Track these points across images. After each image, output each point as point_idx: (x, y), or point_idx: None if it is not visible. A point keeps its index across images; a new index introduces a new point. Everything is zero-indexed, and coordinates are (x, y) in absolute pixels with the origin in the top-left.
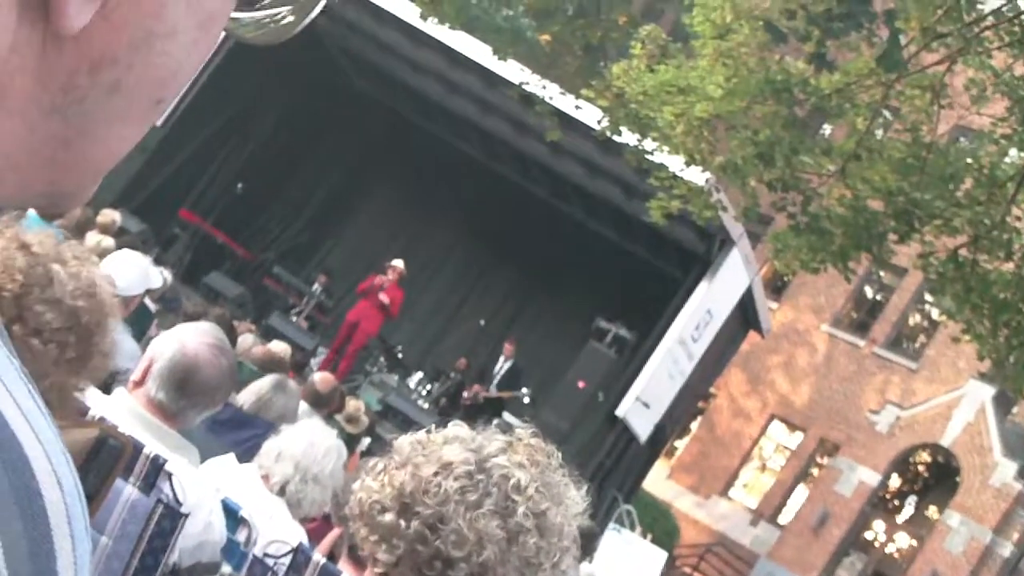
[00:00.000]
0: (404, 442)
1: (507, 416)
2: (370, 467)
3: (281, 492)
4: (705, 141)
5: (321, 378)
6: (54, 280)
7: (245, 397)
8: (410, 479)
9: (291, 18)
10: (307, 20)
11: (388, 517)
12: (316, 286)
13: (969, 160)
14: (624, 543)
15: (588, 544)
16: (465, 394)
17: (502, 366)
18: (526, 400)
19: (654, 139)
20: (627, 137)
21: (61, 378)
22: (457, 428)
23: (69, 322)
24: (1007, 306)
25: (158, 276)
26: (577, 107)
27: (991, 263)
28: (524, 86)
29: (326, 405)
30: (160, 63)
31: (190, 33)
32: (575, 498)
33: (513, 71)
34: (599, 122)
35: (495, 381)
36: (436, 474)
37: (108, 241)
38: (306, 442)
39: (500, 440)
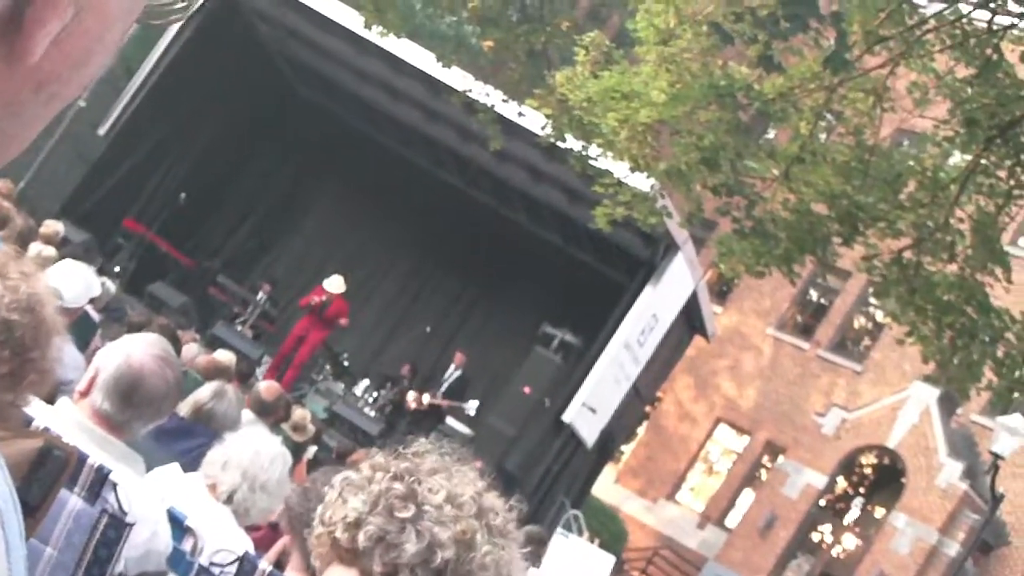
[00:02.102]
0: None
1: (450, 422)
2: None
3: (229, 500)
4: (649, 146)
5: (266, 387)
6: None
7: (184, 406)
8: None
9: (183, 3)
10: (196, 4)
11: (381, 484)
12: (260, 295)
13: (912, 163)
14: (572, 548)
15: (538, 550)
16: (411, 399)
17: (451, 374)
18: (472, 413)
19: (599, 145)
20: (571, 143)
21: None
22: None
23: (1, 336)
24: (951, 308)
25: (99, 285)
26: (520, 114)
27: (935, 265)
28: (468, 93)
29: (272, 414)
30: (91, 73)
31: (118, 42)
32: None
33: (457, 78)
34: (543, 128)
35: (442, 388)
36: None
37: (49, 250)
38: (252, 450)
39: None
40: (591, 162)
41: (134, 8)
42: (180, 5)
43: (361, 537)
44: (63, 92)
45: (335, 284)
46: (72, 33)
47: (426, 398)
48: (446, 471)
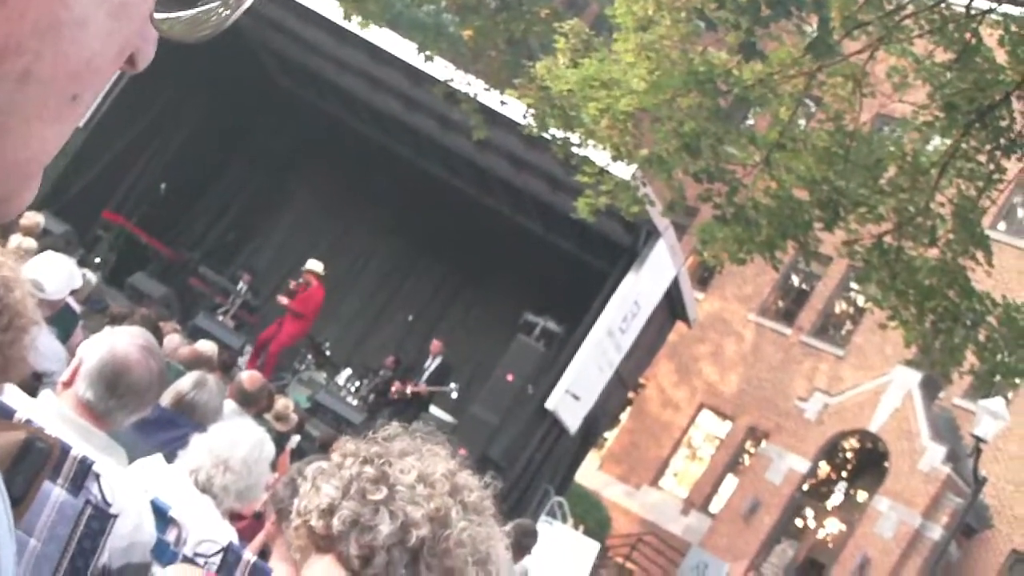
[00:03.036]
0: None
1: (433, 410)
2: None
3: (204, 488)
4: (629, 134)
5: (249, 376)
6: None
7: (165, 396)
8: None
9: (225, 11)
10: (240, 11)
11: (353, 469)
12: (241, 284)
13: (892, 148)
14: (557, 535)
15: (528, 541)
16: (394, 388)
17: (431, 362)
18: (454, 396)
19: (580, 135)
20: (553, 132)
21: None
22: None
23: None
24: (933, 291)
25: (80, 277)
26: (502, 103)
27: (916, 249)
28: (449, 83)
29: (254, 404)
30: (73, 53)
31: (102, 23)
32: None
33: (438, 68)
34: (524, 117)
35: (424, 376)
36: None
37: (30, 242)
38: (229, 436)
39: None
40: (574, 149)
41: None
42: (223, 13)
43: (336, 522)
44: (38, 71)
45: (314, 265)
46: None
47: (410, 389)
48: (417, 452)
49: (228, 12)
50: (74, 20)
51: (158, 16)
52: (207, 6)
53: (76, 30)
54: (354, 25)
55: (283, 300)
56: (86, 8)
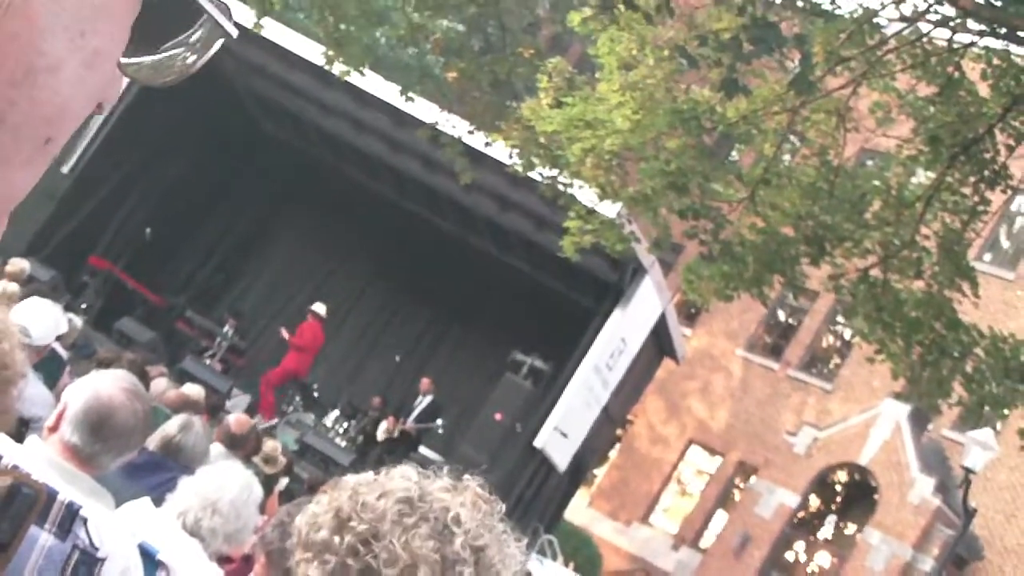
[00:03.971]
0: (351, 477)
1: (423, 450)
2: (316, 499)
3: (192, 531)
4: (615, 173)
5: (236, 420)
6: None
7: (152, 440)
8: (348, 500)
9: (192, 57)
10: (206, 58)
11: (323, 533)
12: (226, 328)
13: (876, 182)
14: (548, 573)
15: None
16: (382, 427)
17: (421, 401)
18: (440, 431)
19: (566, 175)
20: (539, 173)
21: None
22: (407, 468)
23: None
24: (919, 324)
25: (66, 322)
26: (487, 144)
27: (902, 282)
28: (436, 126)
29: (241, 446)
30: (45, 99)
31: (75, 70)
32: (515, 552)
33: (422, 109)
34: (510, 156)
35: (413, 415)
36: (377, 498)
37: (15, 288)
38: (216, 479)
39: (447, 482)
40: (560, 187)
41: (78, 18)
42: (188, 59)
43: None
44: (11, 118)
45: (318, 307)
46: None
47: (397, 428)
48: (408, 528)
49: (193, 58)
50: (48, 67)
51: (124, 60)
52: (171, 52)
53: (50, 77)
54: (336, 69)
55: (284, 333)
56: (60, 55)
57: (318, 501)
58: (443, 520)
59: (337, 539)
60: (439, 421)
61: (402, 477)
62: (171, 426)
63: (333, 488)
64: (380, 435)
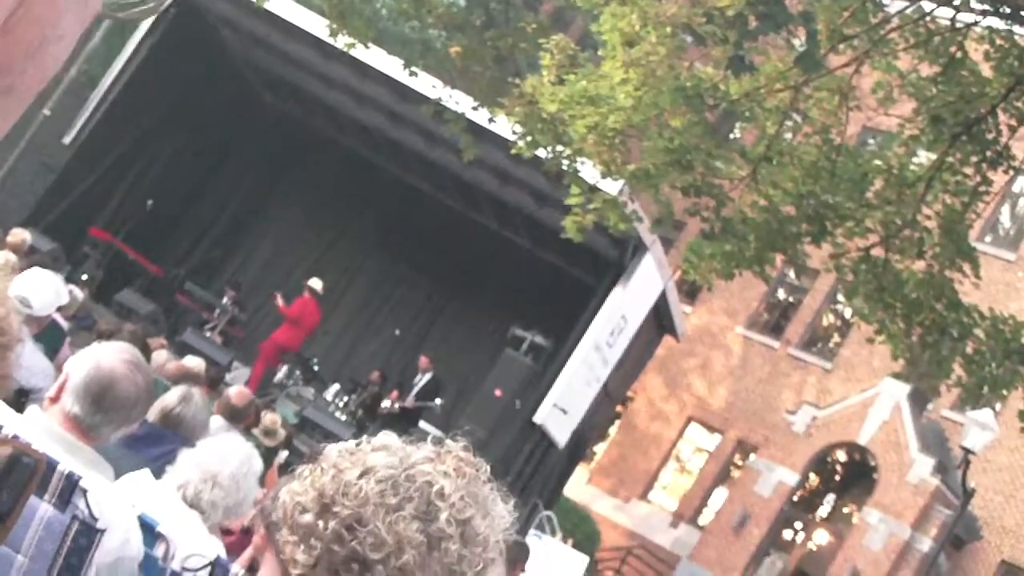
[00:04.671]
0: (332, 449)
1: (423, 425)
2: (298, 473)
3: (192, 503)
4: (618, 150)
5: (237, 392)
6: None
7: (152, 411)
8: (331, 481)
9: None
10: None
11: (307, 517)
12: (225, 299)
13: (878, 161)
14: (546, 549)
15: (521, 557)
16: (384, 404)
17: (421, 378)
18: (437, 411)
19: (569, 152)
20: (543, 152)
21: None
22: (387, 437)
23: None
24: (920, 304)
25: (67, 294)
26: (491, 120)
27: (903, 263)
28: (439, 102)
29: (242, 419)
30: (49, 65)
31: (75, 34)
32: (502, 512)
33: (424, 84)
34: (514, 134)
35: (414, 392)
36: (359, 477)
37: (13, 257)
38: (217, 452)
39: (428, 450)
40: (564, 163)
41: None
42: (149, 5)
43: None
44: (20, 84)
45: (314, 282)
46: (22, 20)
47: (397, 404)
48: (392, 509)
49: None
50: (57, 37)
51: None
52: None
53: (56, 45)
54: (340, 42)
55: (279, 300)
56: (68, 27)
57: (301, 477)
58: (427, 496)
59: (321, 524)
60: (438, 401)
61: (384, 449)
62: (170, 398)
63: (315, 466)
64: (383, 408)
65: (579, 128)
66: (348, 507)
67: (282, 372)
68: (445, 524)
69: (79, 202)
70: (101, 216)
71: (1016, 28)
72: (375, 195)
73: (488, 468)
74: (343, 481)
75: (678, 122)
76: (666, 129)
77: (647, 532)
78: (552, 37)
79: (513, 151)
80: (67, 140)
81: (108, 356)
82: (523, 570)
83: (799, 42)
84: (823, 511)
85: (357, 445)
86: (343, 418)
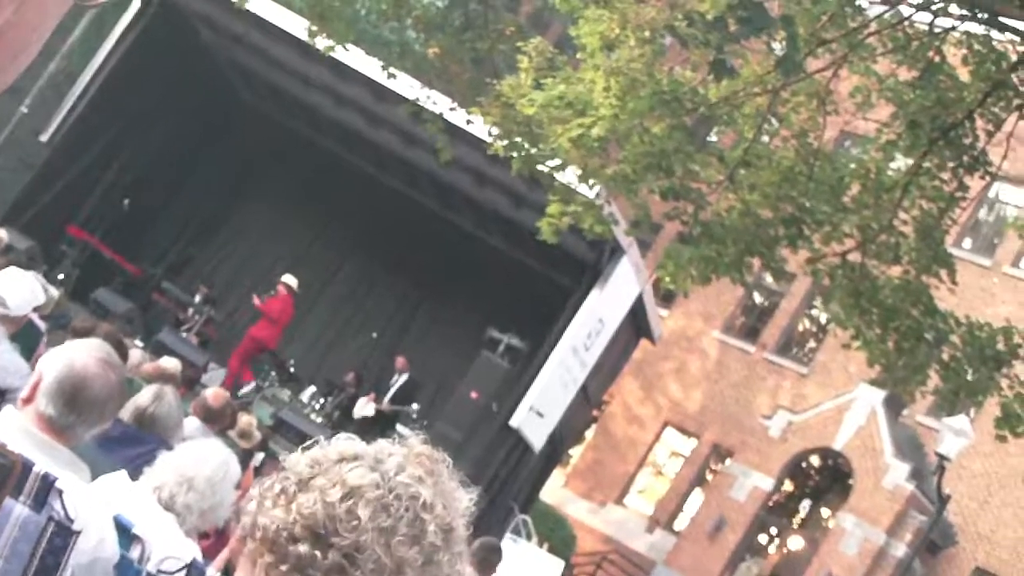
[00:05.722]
0: (299, 462)
1: (400, 429)
2: (265, 488)
3: (168, 506)
4: (597, 155)
5: (213, 394)
6: None
7: (125, 411)
8: (319, 507)
9: None
10: None
11: (302, 548)
12: (197, 297)
13: (855, 166)
14: (521, 553)
15: (494, 560)
16: (362, 403)
17: (397, 380)
18: (414, 416)
19: (548, 154)
20: (520, 152)
21: None
22: (349, 443)
23: None
24: (896, 310)
25: (43, 293)
26: (469, 121)
27: (879, 268)
28: (416, 102)
29: (218, 421)
30: (28, 58)
31: (51, 29)
32: (464, 500)
33: (402, 85)
34: (490, 134)
35: (390, 394)
36: (343, 499)
37: None
38: (194, 455)
39: (398, 455)
40: (539, 165)
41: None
42: None
43: None
44: (3, 80)
45: (289, 279)
46: (14, 25)
47: (374, 407)
48: (387, 531)
49: None
50: (39, 39)
51: None
52: None
53: (36, 45)
54: (319, 44)
55: (256, 301)
56: (50, 26)
57: (274, 493)
58: (415, 512)
59: (319, 554)
60: (414, 405)
61: (355, 460)
62: (143, 397)
63: (285, 480)
64: (357, 413)
65: (562, 141)
66: (346, 537)
67: (250, 387)
68: (434, 536)
69: (56, 200)
70: (78, 214)
71: (994, 33)
72: (352, 196)
73: (448, 459)
74: (331, 505)
75: (659, 128)
76: (646, 135)
77: (623, 537)
78: (530, 41)
79: (489, 151)
80: (44, 138)
81: (80, 355)
82: (495, 572)
83: (779, 46)
84: (798, 516)
85: (321, 451)
86: (319, 420)
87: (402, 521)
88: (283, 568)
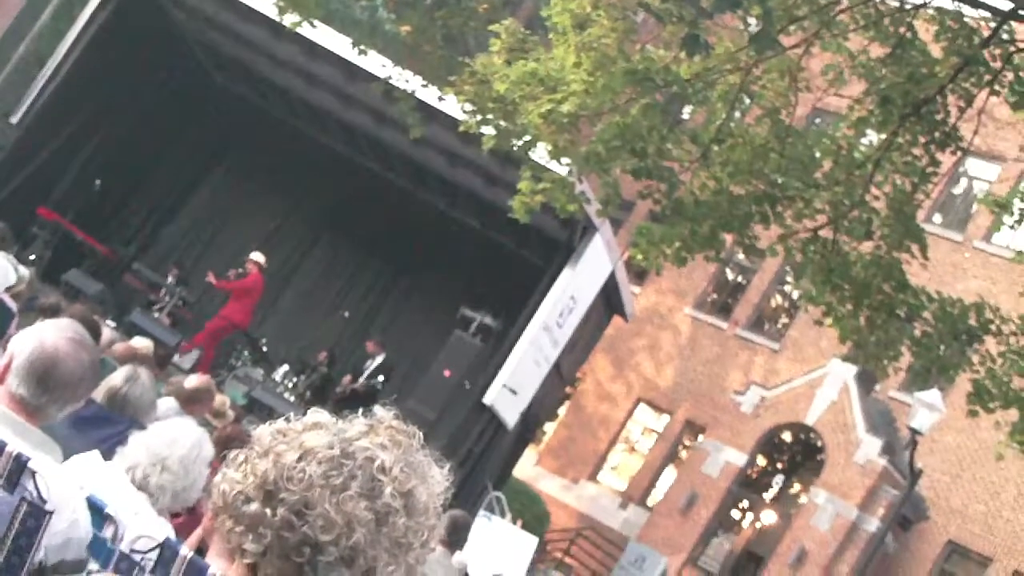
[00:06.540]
0: (264, 432)
1: (378, 409)
2: (231, 458)
3: (141, 485)
4: (568, 132)
5: (193, 377)
6: None
7: (98, 392)
8: (272, 467)
9: None
10: None
11: (253, 507)
12: (169, 278)
13: (827, 142)
14: (495, 530)
15: (461, 533)
16: (339, 388)
17: (372, 361)
18: (379, 387)
19: (520, 131)
20: (492, 129)
21: None
22: (317, 415)
23: None
24: (868, 286)
25: (14, 274)
26: (440, 98)
27: (851, 244)
28: (388, 80)
29: (196, 403)
30: None
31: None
32: (438, 476)
33: (374, 64)
34: (464, 111)
35: (365, 375)
36: (299, 460)
37: None
38: (167, 435)
39: (362, 424)
40: (513, 146)
41: None
42: None
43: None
44: None
45: (257, 256)
46: None
47: (349, 387)
48: (338, 489)
49: None
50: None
51: None
52: None
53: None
54: (287, 20)
55: (211, 278)
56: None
57: (236, 462)
58: (369, 472)
59: (269, 512)
60: (380, 378)
61: (317, 427)
62: (116, 378)
63: (249, 450)
64: (336, 392)
65: (533, 118)
66: (294, 492)
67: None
68: (390, 498)
69: (27, 182)
70: (49, 196)
71: (966, 9)
72: (325, 175)
73: (420, 434)
74: (284, 466)
75: (635, 109)
76: (618, 113)
77: (596, 513)
78: (502, 21)
79: (461, 128)
80: (14, 120)
81: (51, 335)
82: (459, 549)
83: (753, 22)
84: (771, 492)
85: (288, 423)
86: (292, 399)
87: (355, 481)
88: (238, 530)
